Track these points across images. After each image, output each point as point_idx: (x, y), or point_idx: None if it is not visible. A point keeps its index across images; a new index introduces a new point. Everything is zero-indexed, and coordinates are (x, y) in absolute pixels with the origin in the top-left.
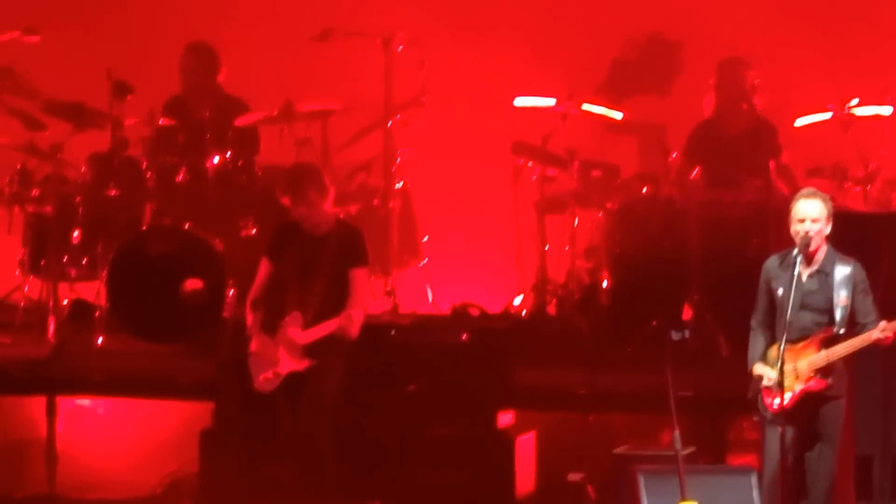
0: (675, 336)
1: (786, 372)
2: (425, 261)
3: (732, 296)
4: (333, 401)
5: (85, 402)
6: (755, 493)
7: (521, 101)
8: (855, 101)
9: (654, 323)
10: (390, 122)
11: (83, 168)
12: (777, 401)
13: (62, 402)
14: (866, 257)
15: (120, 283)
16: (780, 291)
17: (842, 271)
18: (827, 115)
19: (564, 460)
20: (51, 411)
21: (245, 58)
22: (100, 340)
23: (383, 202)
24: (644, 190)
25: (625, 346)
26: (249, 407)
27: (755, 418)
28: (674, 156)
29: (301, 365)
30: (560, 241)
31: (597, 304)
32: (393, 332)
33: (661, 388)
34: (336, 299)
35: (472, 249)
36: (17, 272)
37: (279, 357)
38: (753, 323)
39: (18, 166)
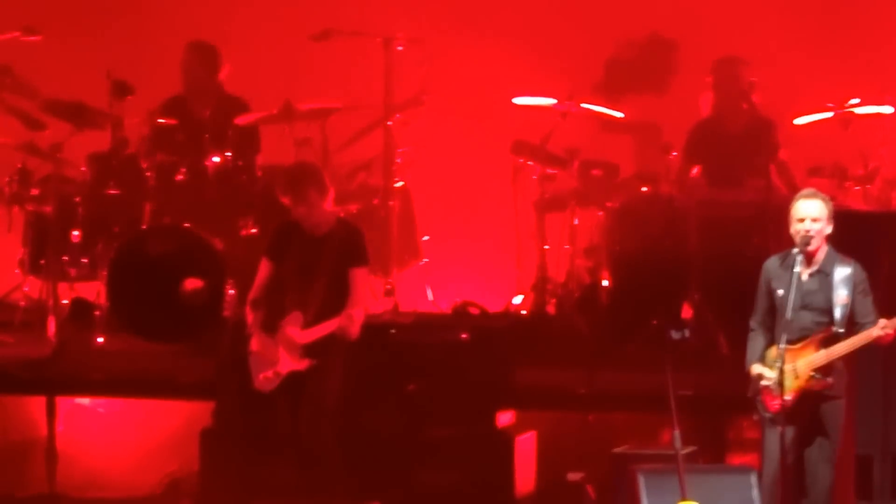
0: (675, 335)
1: (785, 372)
2: (425, 260)
3: (732, 295)
4: (335, 401)
5: (85, 401)
6: (755, 493)
7: (520, 101)
8: (855, 100)
9: (655, 322)
10: (390, 122)
11: (83, 167)
12: (777, 400)
13: (62, 401)
14: (866, 256)
15: (120, 282)
16: (781, 292)
17: (842, 272)
18: (827, 114)
19: (564, 460)
20: (51, 411)
21: (245, 57)
22: (100, 340)
23: (383, 201)
24: (644, 189)
25: (625, 345)
26: (249, 406)
27: (755, 418)
28: (674, 155)
29: (301, 364)
30: (560, 241)
31: (597, 303)
32: (393, 332)
33: (661, 388)
34: (336, 299)
35: (472, 249)
36: (18, 272)
37: (279, 356)
38: (753, 324)
39: (18, 166)
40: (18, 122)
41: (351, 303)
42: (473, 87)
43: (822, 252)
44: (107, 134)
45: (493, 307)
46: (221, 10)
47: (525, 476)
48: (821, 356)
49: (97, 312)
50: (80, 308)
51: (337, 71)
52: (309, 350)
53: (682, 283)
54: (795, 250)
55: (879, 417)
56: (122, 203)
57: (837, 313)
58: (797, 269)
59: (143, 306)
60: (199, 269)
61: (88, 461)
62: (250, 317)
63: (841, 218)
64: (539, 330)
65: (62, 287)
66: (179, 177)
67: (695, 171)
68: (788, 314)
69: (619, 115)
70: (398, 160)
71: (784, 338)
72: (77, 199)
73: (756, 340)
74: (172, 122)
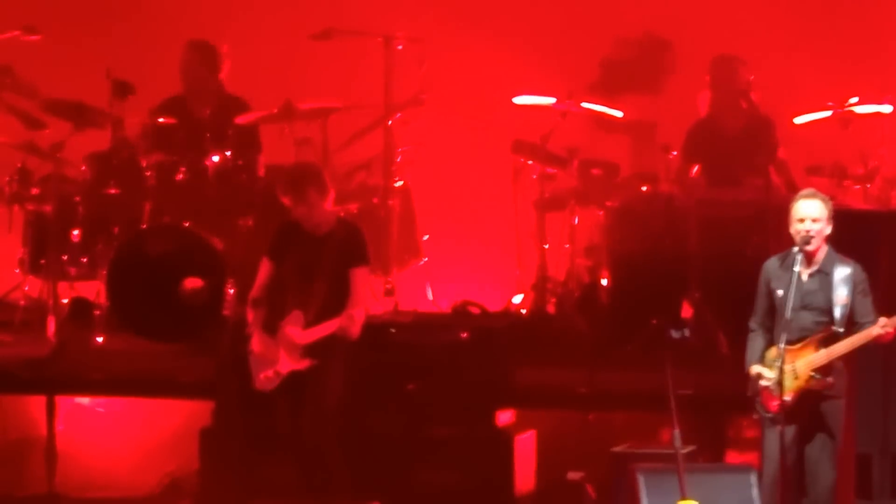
0: (674, 334)
1: (785, 372)
2: (425, 259)
3: (732, 294)
4: (336, 402)
5: (85, 400)
6: (754, 492)
7: (520, 100)
8: (854, 100)
9: (654, 321)
10: (390, 121)
11: (83, 167)
12: (776, 400)
13: (62, 400)
14: (866, 255)
15: (120, 281)
16: (780, 292)
17: (842, 271)
18: (827, 114)
19: (564, 459)
20: (51, 410)
21: (245, 56)
22: (100, 339)
23: (383, 201)
24: (644, 188)
25: (625, 344)
26: (249, 406)
27: (755, 417)
28: (673, 154)
29: (301, 364)
30: (560, 240)
31: (597, 302)
32: (393, 331)
33: (661, 387)
34: (337, 299)
35: (471, 248)
36: (17, 271)
37: (279, 356)
38: (752, 325)
39: (18, 165)
40: (18, 121)
41: (352, 303)
42: (473, 86)
43: (822, 252)
44: (107, 133)
45: (493, 306)
46: (222, 9)
47: (525, 475)
48: (821, 356)
49: (97, 312)
50: (80, 307)
51: (337, 70)
52: (309, 350)
53: (682, 282)
54: (795, 250)
55: (879, 416)
56: (122, 202)
57: (837, 313)
58: (797, 268)
59: (143, 306)
60: (198, 268)
61: (88, 461)
62: (251, 316)
63: (841, 217)
64: (539, 329)
65: (62, 286)
66: (179, 176)
67: (695, 170)
68: (788, 314)
69: (618, 114)
70: (398, 159)
71: (784, 338)
72: (77, 199)
73: (756, 341)
74: (171, 121)
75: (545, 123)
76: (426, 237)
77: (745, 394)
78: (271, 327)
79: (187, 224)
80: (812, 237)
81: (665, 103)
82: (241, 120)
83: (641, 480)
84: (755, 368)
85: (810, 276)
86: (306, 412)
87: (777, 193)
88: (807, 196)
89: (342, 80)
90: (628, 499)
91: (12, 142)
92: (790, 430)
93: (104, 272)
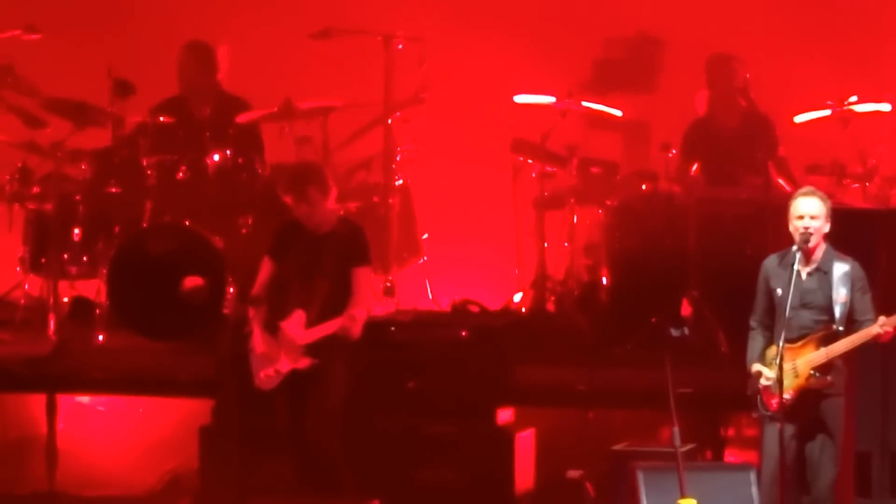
0: (674, 333)
1: (785, 370)
2: (425, 258)
3: (732, 293)
4: (340, 403)
5: (85, 399)
6: (754, 490)
7: (520, 99)
8: (854, 98)
9: (654, 320)
10: (390, 120)
11: (83, 166)
12: (776, 399)
13: (62, 399)
14: (865, 254)
15: (120, 280)
16: (780, 291)
17: (840, 269)
18: (826, 112)
19: (564, 457)
20: (51, 408)
21: (246, 55)
22: (100, 338)
23: (383, 199)
24: (643, 187)
25: (624, 342)
26: (249, 404)
27: (754, 415)
28: (672, 153)
29: (302, 363)
30: (559, 238)
31: (596, 300)
32: (393, 329)
33: (661, 385)
34: (339, 298)
35: (471, 246)
36: (18, 270)
37: (280, 355)
38: (753, 323)
39: (19, 164)
40: (19, 120)
41: (353, 302)
42: (473, 85)
43: (821, 250)
44: (107, 132)
45: (493, 305)
46: (222, 8)
47: (524, 473)
48: (820, 354)
49: (97, 310)
50: (81, 306)
51: (337, 69)
52: (311, 349)
53: (682, 280)
54: (794, 248)
55: (878, 414)
56: (123, 201)
57: (837, 312)
58: (796, 266)
59: (144, 304)
60: (199, 267)
61: (88, 459)
62: (251, 314)
63: (840, 216)
64: (539, 327)
65: (62, 285)
66: (180, 175)
67: (694, 168)
68: (787, 313)
69: (618, 113)
70: (398, 158)
71: (783, 336)
72: (77, 198)
73: (756, 339)
74: (169, 120)
75: (545, 122)
76: (426, 236)
77: (744, 392)
78: (272, 326)
79: (188, 223)
80: (811, 234)
81: (658, 102)
82: (241, 119)
83: (641, 478)
84: (755, 367)
85: (809, 274)
86: (310, 412)
87: (776, 192)
88: (806, 194)
89: (342, 79)
90: (628, 497)
91: (13, 140)
92: (790, 429)
93: (105, 271)
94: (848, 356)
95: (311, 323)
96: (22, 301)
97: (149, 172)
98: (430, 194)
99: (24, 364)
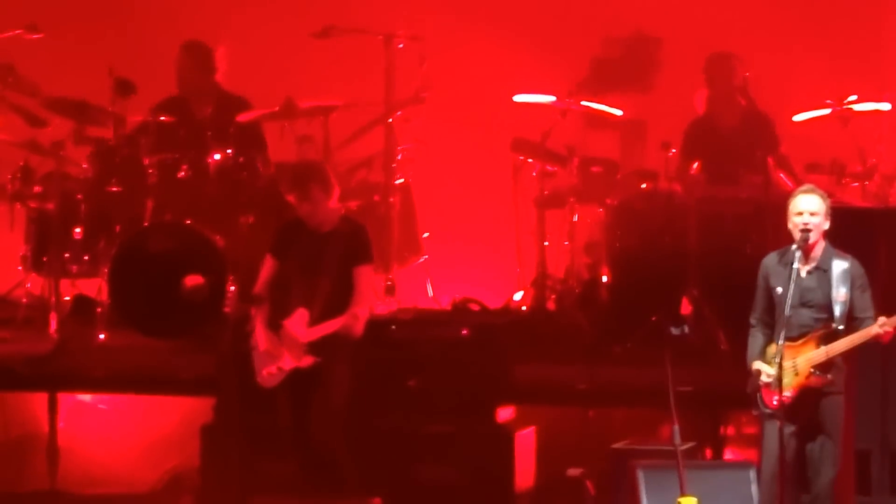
0: (674, 331)
1: (785, 368)
2: (425, 257)
3: (731, 291)
4: (344, 403)
5: (86, 397)
6: (754, 488)
7: (521, 98)
8: (853, 97)
9: (654, 318)
10: (391, 119)
11: (85, 165)
12: (776, 397)
13: (64, 397)
14: (864, 252)
15: (121, 279)
16: (779, 289)
17: (839, 267)
18: (825, 111)
19: (564, 455)
20: (52, 407)
21: (246, 54)
22: (101, 336)
23: (384, 198)
24: (643, 186)
25: (624, 341)
26: (250, 402)
27: (754, 413)
28: (672, 152)
29: (305, 362)
30: (560, 237)
31: (596, 299)
32: (393, 328)
33: (661, 384)
34: (341, 297)
35: (472, 245)
36: (20, 268)
37: (283, 353)
38: (753, 321)
39: (21, 163)
40: (21, 119)
41: (355, 301)
42: (474, 84)
43: (820, 248)
44: (109, 131)
45: (494, 303)
46: (223, 7)
47: (525, 471)
48: (820, 353)
49: (99, 309)
50: (82, 305)
51: (338, 68)
52: (313, 348)
53: (682, 279)
54: (794, 247)
55: (878, 413)
56: (124, 200)
57: (837, 311)
58: (796, 265)
59: (145, 303)
60: (200, 265)
61: (90, 457)
62: (253, 312)
63: (839, 214)
64: (539, 326)
65: (64, 284)
66: (181, 174)
67: (694, 167)
68: (787, 311)
69: (618, 112)
70: (399, 157)
71: (783, 334)
72: (79, 197)
73: (756, 338)
74: (170, 119)
75: (545, 121)
76: (426, 234)
77: (744, 390)
78: (274, 324)
79: (189, 221)
80: (810, 230)
81: (656, 101)
82: (242, 118)
83: (641, 477)
84: (755, 365)
85: (808, 272)
86: (314, 411)
87: (777, 190)
88: (805, 191)
89: (343, 78)
90: (628, 495)
91: (15, 139)
92: (790, 427)
93: (106, 269)
94: (848, 354)
95: (313, 321)
96: (23, 300)
97: (150, 171)
98: (431, 193)
99: (25, 362)
